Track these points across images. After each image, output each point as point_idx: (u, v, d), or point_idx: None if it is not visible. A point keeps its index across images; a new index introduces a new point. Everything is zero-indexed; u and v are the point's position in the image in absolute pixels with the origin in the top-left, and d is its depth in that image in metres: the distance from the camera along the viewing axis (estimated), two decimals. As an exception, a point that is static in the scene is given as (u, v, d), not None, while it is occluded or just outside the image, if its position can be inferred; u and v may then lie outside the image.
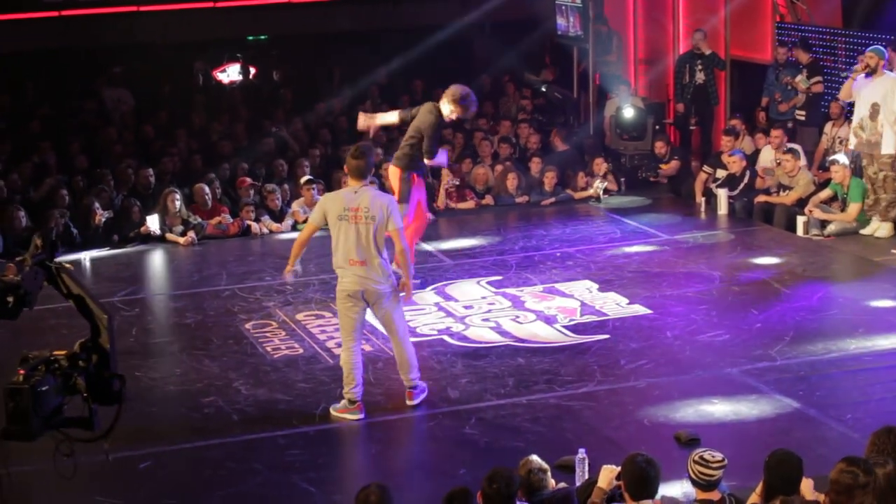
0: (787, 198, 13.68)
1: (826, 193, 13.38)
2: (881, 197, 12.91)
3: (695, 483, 5.85)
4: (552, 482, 6.28)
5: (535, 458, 6.33)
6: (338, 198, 8.52)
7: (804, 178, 13.67)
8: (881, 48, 12.86)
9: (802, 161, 13.95)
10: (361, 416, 8.56)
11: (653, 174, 15.70)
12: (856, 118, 12.96)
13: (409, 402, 8.71)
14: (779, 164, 14.13)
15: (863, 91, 12.83)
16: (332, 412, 8.65)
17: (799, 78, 14.79)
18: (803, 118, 14.99)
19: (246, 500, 7.49)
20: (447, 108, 10.55)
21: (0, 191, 14.05)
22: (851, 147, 13.11)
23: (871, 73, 12.72)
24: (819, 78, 14.74)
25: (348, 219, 8.35)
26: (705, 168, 14.92)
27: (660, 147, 15.75)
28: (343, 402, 8.63)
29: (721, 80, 16.33)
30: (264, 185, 14.71)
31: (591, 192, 15.15)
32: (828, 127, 14.45)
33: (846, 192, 13.17)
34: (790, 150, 13.88)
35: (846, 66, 14.63)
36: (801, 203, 13.51)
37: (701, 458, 5.85)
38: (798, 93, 14.95)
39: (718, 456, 5.87)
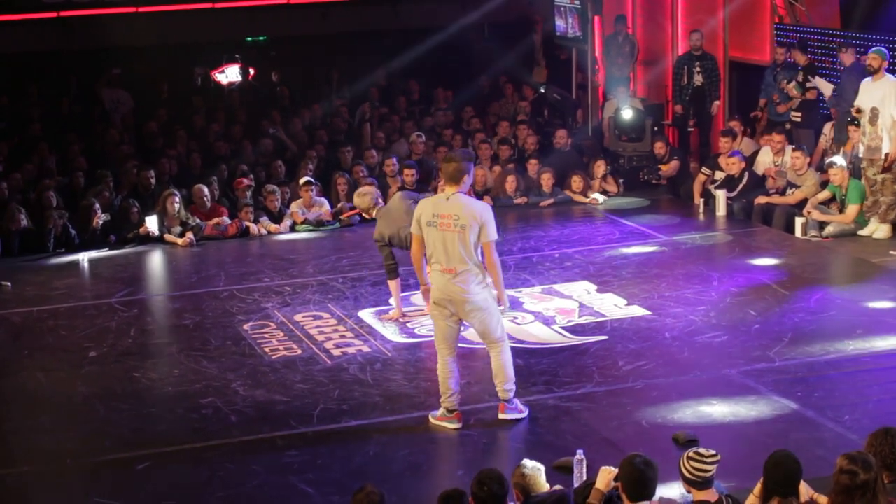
0: (792, 198, 13.68)
1: (824, 195, 13.39)
2: (880, 199, 12.92)
3: (690, 482, 5.84)
4: (546, 485, 6.28)
5: (527, 461, 6.33)
6: (428, 204, 8.33)
7: (811, 178, 13.66)
8: (884, 49, 12.85)
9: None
10: (458, 425, 8.39)
11: (654, 177, 15.70)
12: (861, 124, 12.96)
13: (500, 415, 8.45)
14: (777, 167, 14.15)
15: (864, 95, 12.84)
16: (432, 420, 8.49)
17: (792, 84, 14.76)
18: (799, 120, 14.99)
19: (244, 502, 7.48)
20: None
21: (1, 191, 14.06)
22: (860, 154, 13.10)
23: (872, 73, 12.72)
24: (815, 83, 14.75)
25: (437, 225, 8.19)
26: (704, 170, 14.93)
27: (659, 147, 15.76)
28: (441, 410, 8.46)
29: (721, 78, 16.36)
30: (264, 186, 14.72)
31: (588, 200, 15.14)
32: (827, 128, 14.45)
33: (844, 194, 13.18)
34: (799, 148, 13.89)
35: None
36: (801, 204, 13.53)
37: (696, 453, 5.84)
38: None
39: (712, 451, 5.87)
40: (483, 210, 8.19)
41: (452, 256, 8.13)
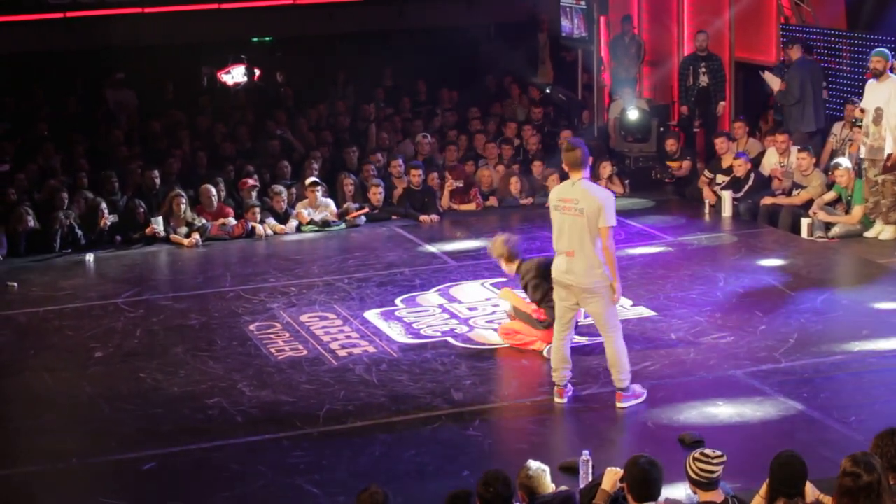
0: (797, 198, 13.65)
1: (830, 196, 13.38)
2: (882, 201, 12.88)
3: (696, 483, 5.85)
4: (552, 485, 6.28)
5: (532, 462, 6.34)
6: (557, 189, 8.75)
7: (817, 178, 13.63)
8: (885, 51, 12.84)
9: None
10: (562, 400, 8.72)
11: (667, 175, 15.65)
12: (864, 125, 12.94)
13: (618, 404, 8.64)
14: (783, 168, 14.13)
15: (869, 96, 12.82)
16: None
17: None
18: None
19: (250, 502, 7.48)
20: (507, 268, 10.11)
21: (8, 193, 14.06)
22: (862, 155, 13.08)
23: (877, 76, 12.70)
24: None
25: (561, 209, 8.51)
26: (706, 172, 14.89)
27: (671, 144, 15.72)
28: (555, 388, 8.78)
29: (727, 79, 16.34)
30: (270, 186, 14.72)
31: None
32: (836, 128, 14.40)
33: (850, 195, 13.16)
34: (805, 149, 13.86)
35: (850, 68, 14.64)
36: (807, 205, 13.51)
37: (702, 454, 5.85)
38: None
39: (718, 451, 5.88)
40: (603, 196, 8.49)
41: (571, 240, 8.45)
